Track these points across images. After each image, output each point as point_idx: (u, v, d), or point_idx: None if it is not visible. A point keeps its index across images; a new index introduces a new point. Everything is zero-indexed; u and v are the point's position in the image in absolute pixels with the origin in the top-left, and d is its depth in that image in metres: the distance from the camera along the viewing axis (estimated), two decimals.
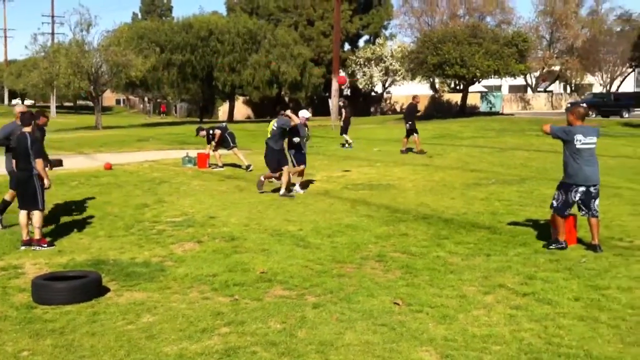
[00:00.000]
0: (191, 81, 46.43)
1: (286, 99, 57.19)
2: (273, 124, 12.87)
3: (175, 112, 72.32)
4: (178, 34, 44.39)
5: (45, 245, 8.63)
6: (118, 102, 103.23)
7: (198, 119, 52.32)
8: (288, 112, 13.38)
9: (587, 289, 6.37)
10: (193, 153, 18.44)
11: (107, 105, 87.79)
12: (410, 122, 20.66)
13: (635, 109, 45.85)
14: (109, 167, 16.95)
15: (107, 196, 12.67)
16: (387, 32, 61.30)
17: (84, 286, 6.50)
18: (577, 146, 7.90)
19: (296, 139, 13.01)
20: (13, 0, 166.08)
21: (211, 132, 17.29)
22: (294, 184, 13.06)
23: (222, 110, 56.09)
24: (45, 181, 8.68)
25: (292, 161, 13.19)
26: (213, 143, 17.12)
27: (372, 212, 10.83)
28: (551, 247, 8.00)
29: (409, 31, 64.24)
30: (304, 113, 13.56)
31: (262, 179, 13.01)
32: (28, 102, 72.49)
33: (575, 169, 7.95)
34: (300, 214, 10.66)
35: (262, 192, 12.71)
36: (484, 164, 17.14)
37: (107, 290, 6.78)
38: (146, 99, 76.67)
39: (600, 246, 7.95)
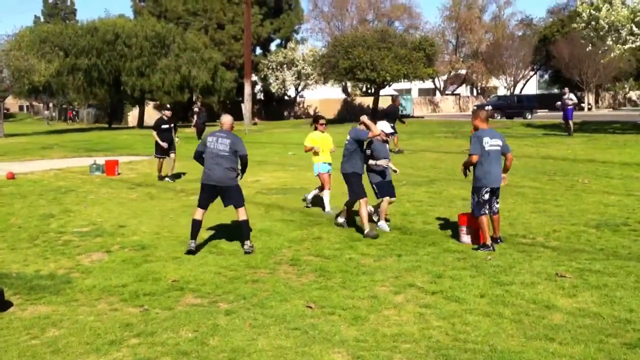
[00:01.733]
0: (98, 86, 45.11)
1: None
2: (346, 139, 9.60)
3: (77, 118, 69.77)
4: (83, 37, 42.97)
5: None
6: (21, 108, 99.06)
7: (106, 125, 50.94)
8: (365, 118, 9.77)
9: (492, 286, 6.60)
10: (101, 160, 17.91)
11: (10, 112, 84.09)
12: (392, 124, 20.82)
13: (537, 111, 47.95)
14: (11, 176, 16.24)
15: (9, 207, 12.14)
16: (298, 36, 61.67)
17: None
18: (486, 148, 8.17)
19: (373, 162, 9.61)
20: None
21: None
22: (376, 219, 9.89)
23: (132, 116, 54.78)
24: None
25: (374, 191, 9.80)
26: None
27: (286, 216, 10.85)
28: (481, 249, 8.09)
29: (319, 35, 65.26)
30: (385, 126, 9.94)
31: (342, 221, 9.84)
32: None
33: (484, 171, 8.21)
34: (213, 220, 10.52)
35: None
36: (396, 166, 17.42)
37: (10, 304, 6.49)
38: (51, 105, 73.92)
39: (501, 238, 8.41)
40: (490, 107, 45.69)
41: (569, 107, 25.47)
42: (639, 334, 5.19)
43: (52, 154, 24.78)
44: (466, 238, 8.55)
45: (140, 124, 46.76)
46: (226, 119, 8.75)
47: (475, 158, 8.22)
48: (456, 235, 8.78)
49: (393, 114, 21.08)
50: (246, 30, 40.88)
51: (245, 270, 7.59)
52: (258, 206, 11.83)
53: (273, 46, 61.19)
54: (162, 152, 15.83)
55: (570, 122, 25.67)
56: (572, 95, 26.19)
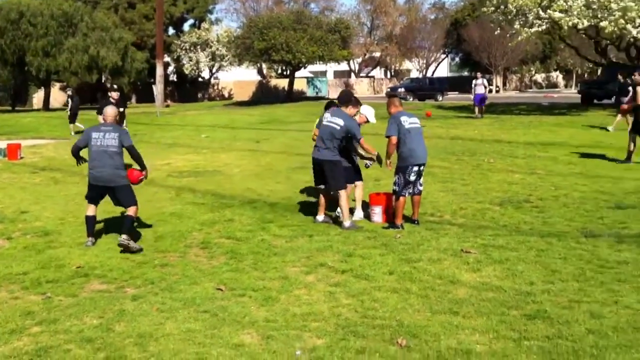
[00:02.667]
0: (1, 66, 43.00)
1: (108, 85, 54.76)
2: (329, 120, 8.55)
3: None
4: None
5: None
6: None
7: (10, 107, 48.69)
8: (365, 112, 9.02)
9: (401, 263, 6.73)
10: (2, 144, 17.11)
11: None
12: None
13: (449, 93, 49.19)
14: None
15: None
16: (212, 17, 60.70)
17: None
18: (406, 126, 8.20)
19: (367, 162, 9.08)
20: None
21: None
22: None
23: (37, 98, 52.59)
24: None
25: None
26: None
27: (198, 199, 10.70)
28: (390, 228, 8.18)
29: (234, 16, 64.44)
30: (368, 111, 9.11)
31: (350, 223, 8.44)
32: None
33: (408, 149, 8.20)
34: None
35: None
36: (310, 148, 17.44)
37: None
38: None
39: (418, 220, 8.48)
40: (403, 89, 46.56)
41: (479, 93, 25.96)
42: (539, 305, 5.41)
43: None
44: (377, 217, 8.67)
45: (46, 106, 44.93)
46: (111, 111, 7.95)
47: (394, 139, 8.17)
48: (367, 215, 8.89)
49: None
50: (158, 9, 39.86)
51: (154, 254, 7.43)
52: (168, 189, 11.61)
53: (186, 26, 60.09)
54: None
55: (477, 108, 26.14)
56: (484, 81, 26.80)
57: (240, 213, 9.52)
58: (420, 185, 8.52)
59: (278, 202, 10.29)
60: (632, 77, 14.07)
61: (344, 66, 63.45)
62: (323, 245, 7.57)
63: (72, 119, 23.33)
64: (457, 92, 54.85)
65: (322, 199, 8.80)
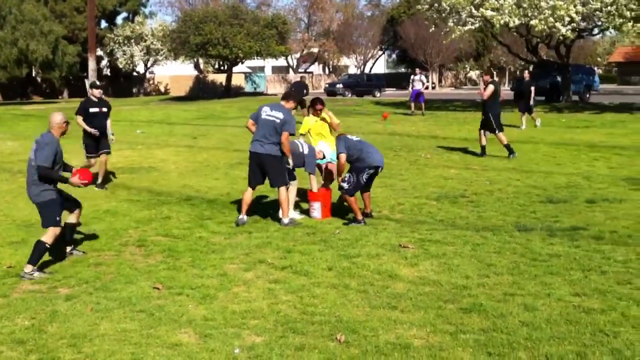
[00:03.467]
0: None
1: (38, 79, 53.06)
2: (268, 114, 8.38)
3: None
4: None
5: None
6: None
7: None
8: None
9: (340, 258, 6.75)
10: None
11: None
12: None
13: (386, 89, 49.70)
14: None
15: None
16: (146, 10, 59.43)
17: None
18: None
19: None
20: None
21: None
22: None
23: None
24: None
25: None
26: None
27: (133, 196, 10.49)
28: (352, 224, 8.23)
29: (169, 10, 63.33)
30: (325, 148, 9.20)
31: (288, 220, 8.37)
32: None
33: (367, 151, 8.38)
34: None
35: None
36: (248, 144, 17.37)
37: None
38: None
39: (372, 213, 8.67)
40: (341, 86, 46.78)
41: (415, 89, 26.14)
42: (474, 299, 5.51)
43: None
44: (316, 213, 8.68)
45: None
46: (55, 118, 6.90)
47: (343, 157, 8.30)
48: (306, 211, 8.89)
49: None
50: (89, 2, 38.80)
51: (88, 253, 7.25)
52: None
53: (120, 19, 58.67)
54: (93, 149, 11.39)
55: (413, 104, 26.23)
56: (422, 77, 27.11)
57: (177, 210, 9.39)
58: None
59: (216, 198, 10.19)
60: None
61: (282, 62, 63.27)
62: (262, 241, 7.53)
63: None
64: (394, 89, 55.50)
65: (247, 197, 8.53)
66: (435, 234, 7.64)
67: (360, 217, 8.29)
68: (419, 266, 6.46)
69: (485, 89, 14.02)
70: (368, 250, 7.02)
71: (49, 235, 6.64)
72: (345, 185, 8.33)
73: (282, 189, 8.30)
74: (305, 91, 25.41)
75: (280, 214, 8.44)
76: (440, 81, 67.23)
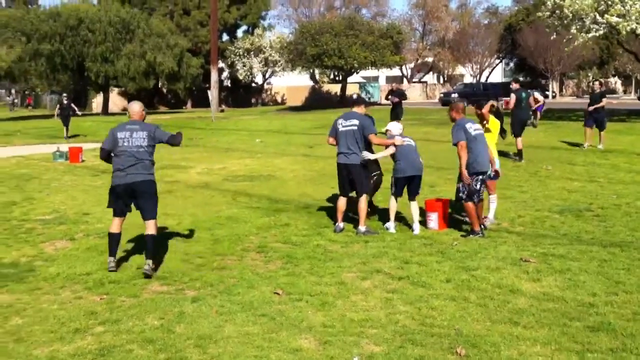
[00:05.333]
0: (62, 72, 44.26)
1: (164, 90, 55.82)
2: (345, 125, 8.62)
3: (30, 104, 68.26)
4: (45, 22, 42.03)
5: None
6: None
7: (78, 112, 50.04)
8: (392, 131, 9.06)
9: (458, 271, 6.65)
10: (65, 147, 17.62)
11: None
12: None
13: (502, 98, 48.39)
14: None
15: None
16: (265, 23, 61.25)
17: None
18: (472, 133, 8.14)
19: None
20: None
21: None
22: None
23: (96, 102, 53.89)
24: None
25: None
26: None
27: (253, 203, 10.80)
28: (470, 236, 8.04)
29: (287, 22, 64.64)
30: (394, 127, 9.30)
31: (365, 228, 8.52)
32: None
33: (473, 156, 8.10)
34: (179, 208, 10.45)
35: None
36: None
37: None
38: (13, 91, 72.31)
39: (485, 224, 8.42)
40: (456, 95, 46.06)
41: (536, 106, 25.32)
42: (602, 317, 5.28)
43: (14, 140, 24.30)
44: (433, 224, 8.60)
45: (105, 110, 46.05)
46: (135, 107, 7.30)
47: (463, 144, 8.01)
48: (423, 222, 8.82)
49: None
50: (212, 16, 40.48)
51: (212, 257, 7.54)
52: (224, 193, 11.76)
53: (240, 32, 60.77)
54: None
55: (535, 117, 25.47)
56: (537, 94, 26.24)
57: (295, 218, 9.58)
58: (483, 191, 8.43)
59: (333, 207, 10.29)
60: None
61: (396, 71, 63.19)
62: (379, 251, 7.55)
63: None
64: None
65: (341, 206, 8.68)
66: (559, 249, 7.37)
67: (477, 228, 8.12)
68: (542, 281, 6.26)
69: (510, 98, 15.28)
70: (487, 263, 6.88)
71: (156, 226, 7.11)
72: (461, 195, 8.19)
73: (364, 197, 8.45)
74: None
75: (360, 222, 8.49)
76: (561, 90, 64.73)
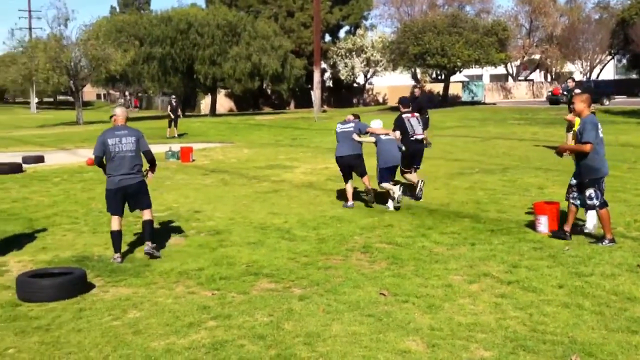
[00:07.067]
0: (172, 74, 46.05)
1: (268, 91, 57.00)
2: (345, 127, 10.93)
3: (137, 106, 71.51)
4: (157, 27, 43.99)
5: None
6: (99, 96, 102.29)
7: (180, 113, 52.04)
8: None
9: (571, 276, 6.43)
10: (176, 147, 18.36)
11: (88, 100, 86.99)
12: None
13: (615, 96, 46.23)
14: (91, 162, 16.77)
15: (90, 192, 12.58)
16: (367, 23, 61.30)
17: (69, 283, 6.46)
18: (600, 135, 7.81)
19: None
20: None
21: None
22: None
23: (205, 104, 55.79)
24: None
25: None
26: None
27: (357, 203, 10.85)
28: (605, 244, 7.58)
29: (389, 21, 64.24)
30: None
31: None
32: None
33: (600, 159, 7.77)
34: (285, 207, 10.66)
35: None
36: (467, 154, 17.24)
37: (93, 286, 6.74)
38: (127, 93, 76.08)
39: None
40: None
41: None
42: None
43: None
44: (543, 228, 8.34)
45: (213, 111, 47.57)
46: (119, 111, 7.97)
47: (589, 147, 7.59)
48: (532, 225, 8.58)
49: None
50: (315, 17, 40.93)
51: (318, 256, 7.64)
52: (328, 193, 11.89)
53: (342, 33, 61.18)
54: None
55: None
56: None
57: (399, 219, 9.56)
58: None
59: (437, 208, 10.21)
60: None
61: (500, 69, 61.61)
62: (486, 254, 7.42)
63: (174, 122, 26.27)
64: (624, 96, 51.42)
65: (349, 189, 10.74)
66: None
67: (611, 235, 7.65)
68: None
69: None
70: (602, 269, 6.61)
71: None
72: (596, 202, 7.72)
73: (366, 177, 10.60)
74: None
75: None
76: None
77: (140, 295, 6.42)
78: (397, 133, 10.94)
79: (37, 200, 11.70)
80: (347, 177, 10.71)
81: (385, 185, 10.36)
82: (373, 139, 10.55)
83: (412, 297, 6.01)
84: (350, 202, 10.61)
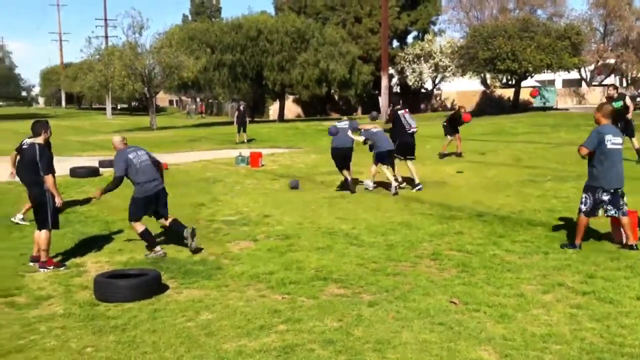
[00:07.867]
0: (242, 81, 46.73)
1: (336, 97, 57.17)
2: (342, 125, 13.24)
3: (208, 111, 72.75)
4: (228, 34, 44.76)
5: (52, 267, 7.82)
6: (171, 102, 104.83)
7: (249, 119, 52.85)
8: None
9: None
10: (246, 152, 18.64)
11: (161, 106, 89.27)
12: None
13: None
14: (164, 166, 17.26)
15: None
16: (435, 28, 60.68)
17: (145, 284, 6.66)
18: (608, 146, 7.72)
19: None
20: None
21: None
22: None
23: (273, 109, 56.39)
24: (57, 199, 7.89)
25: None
26: None
27: (426, 209, 10.78)
28: (566, 247, 7.89)
29: (457, 26, 63.50)
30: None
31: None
32: None
33: (603, 170, 7.77)
34: (352, 213, 10.68)
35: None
36: (539, 161, 16.85)
37: (167, 287, 6.92)
38: (198, 99, 77.65)
39: (636, 245, 7.76)
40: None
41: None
42: None
43: (200, 146, 26.06)
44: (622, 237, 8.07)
45: (281, 117, 48.05)
46: (117, 138, 8.83)
47: (584, 150, 7.84)
48: (607, 234, 8.32)
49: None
50: (383, 23, 40.86)
51: (387, 262, 7.62)
52: (396, 199, 11.86)
53: (410, 38, 60.76)
54: None
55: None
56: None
57: (469, 226, 9.43)
58: (625, 205, 7.88)
59: (508, 216, 10.02)
60: None
61: (573, 74, 59.87)
62: (560, 263, 7.24)
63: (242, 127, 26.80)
64: None
65: (348, 177, 12.88)
66: None
67: (578, 242, 7.84)
68: None
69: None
70: None
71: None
72: (582, 207, 7.94)
73: (351, 170, 12.90)
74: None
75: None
76: None
77: (213, 298, 6.54)
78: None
79: (114, 203, 12.08)
80: (342, 167, 12.86)
81: (381, 167, 12.63)
82: (362, 138, 12.79)
83: (484, 306, 5.92)
84: (370, 183, 13.02)
